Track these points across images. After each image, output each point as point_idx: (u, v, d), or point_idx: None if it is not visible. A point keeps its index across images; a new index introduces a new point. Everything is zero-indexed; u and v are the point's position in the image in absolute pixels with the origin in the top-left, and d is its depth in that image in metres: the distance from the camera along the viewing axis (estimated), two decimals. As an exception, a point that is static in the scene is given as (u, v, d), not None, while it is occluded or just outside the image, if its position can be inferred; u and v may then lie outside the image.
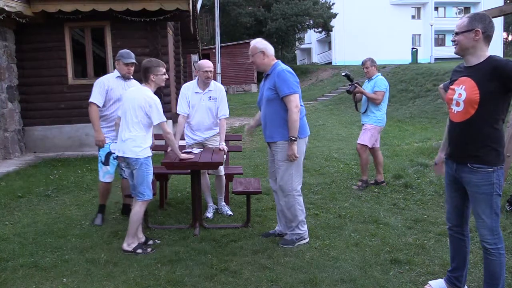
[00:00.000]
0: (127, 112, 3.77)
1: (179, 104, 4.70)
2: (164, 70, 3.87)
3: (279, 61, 3.95)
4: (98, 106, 4.50)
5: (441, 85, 5.39)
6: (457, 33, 2.62)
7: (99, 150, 4.57)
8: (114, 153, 4.47)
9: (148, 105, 3.70)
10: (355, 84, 5.92)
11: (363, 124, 5.99)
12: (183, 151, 4.53)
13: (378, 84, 5.78)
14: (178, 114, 4.71)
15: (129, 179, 3.98)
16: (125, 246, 3.80)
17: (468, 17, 2.60)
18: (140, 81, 3.97)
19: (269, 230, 4.26)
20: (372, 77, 5.89)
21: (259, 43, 3.90)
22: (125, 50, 4.61)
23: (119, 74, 4.58)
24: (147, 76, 3.80)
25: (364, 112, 5.92)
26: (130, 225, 3.81)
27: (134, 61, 4.55)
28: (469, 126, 2.61)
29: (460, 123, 2.66)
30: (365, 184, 5.89)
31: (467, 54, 2.63)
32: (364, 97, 5.91)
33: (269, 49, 3.90)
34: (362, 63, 5.99)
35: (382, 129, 6.00)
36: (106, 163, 4.53)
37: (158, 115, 3.74)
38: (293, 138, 3.73)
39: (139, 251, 3.76)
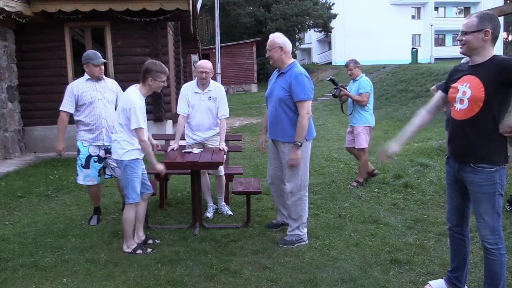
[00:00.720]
0: (117, 114, 3.73)
1: (179, 104, 4.70)
2: (165, 78, 3.74)
3: (296, 61, 3.92)
4: (71, 113, 4.46)
5: (434, 87, 5.38)
6: (465, 33, 2.59)
7: (78, 154, 4.49)
8: (95, 156, 4.46)
9: (128, 108, 3.59)
10: (341, 88, 6.02)
11: (352, 126, 6.08)
12: (183, 151, 4.54)
13: (363, 85, 5.84)
14: (178, 114, 4.71)
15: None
16: (124, 248, 3.80)
17: (477, 17, 2.57)
18: (133, 82, 3.85)
19: (271, 221, 4.36)
20: (357, 78, 5.97)
21: (278, 38, 3.85)
22: (90, 51, 4.52)
23: (89, 77, 4.47)
24: (145, 77, 3.68)
25: (351, 114, 6.00)
26: (124, 228, 3.80)
27: (104, 60, 4.48)
28: (472, 124, 2.61)
29: (463, 120, 2.65)
30: (360, 185, 5.92)
31: (474, 54, 2.62)
32: (350, 99, 5.97)
33: (288, 45, 3.88)
34: (346, 65, 6.10)
35: (372, 128, 6.07)
36: (86, 166, 4.47)
37: (135, 121, 3.57)
38: (298, 144, 3.73)
39: (139, 251, 3.76)
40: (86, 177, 4.50)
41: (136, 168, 3.73)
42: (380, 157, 3.00)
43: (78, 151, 4.48)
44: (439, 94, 2.93)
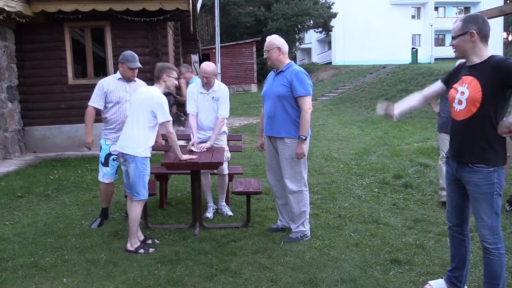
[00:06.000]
0: (135, 111, 3.80)
1: (188, 103, 4.79)
2: (177, 75, 3.96)
3: (293, 62, 4.07)
4: (99, 109, 4.47)
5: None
6: (453, 38, 2.66)
7: (100, 151, 4.55)
8: (114, 154, 4.46)
9: (156, 102, 3.74)
10: (176, 98, 6.43)
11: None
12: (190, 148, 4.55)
13: None
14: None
15: (124, 177, 4.00)
16: (128, 246, 3.81)
17: (461, 21, 2.62)
18: (144, 81, 3.97)
19: (271, 225, 4.37)
20: (190, 82, 6.15)
21: (275, 39, 4.00)
22: (129, 52, 4.49)
23: (121, 76, 4.50)
24: (160, 76, 3.88)
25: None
26: (130, 225, 3.83)
27: (140, 66, 4.49)
28: (470, 124, 2.62)
29: (462, 121, 2.66)
30: None
31: (467, 56, 2.64)
32: None
33: (285, 46, 4.03)
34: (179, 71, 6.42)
35: None
36: (105, 164, 4.51)
37: (163, 114, 3.78)
38: (303, 138, 3.84)
39: (141, 251, 3.77)
40: (104, 175, 4.53)
41: (147, 166, 3.82)
42: (382, 109, 3.05)
43: (100, 148, 4.53)
44: (439, 84, 2.95)
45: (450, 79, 2.84)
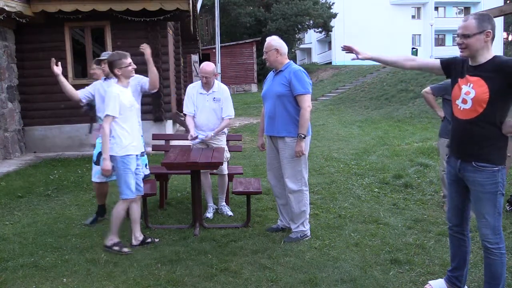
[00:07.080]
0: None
1: (185, 104, 4.77)
2: (129, 60, 3.78)
3: (292, 61, 4.08)
4: (80, 99, 4.56)
5: (428, 89, 4.87)
6: (466, 36, 2.55)
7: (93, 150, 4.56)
8: None
9: (105, 97, 3.71)
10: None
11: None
12: (191, 141, 4.56)
13: None
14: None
15: None
16: (107, 241, 3.82)
17: (475, 19, 2.54)
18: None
19: (271, 225, 4.37)
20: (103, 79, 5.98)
21: (274, 40, 4.01)
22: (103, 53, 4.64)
23: (104, 77, 4.59)
24: (113, 72, 3.78)
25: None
26: (110, 221, 3.85)
27: (100, 58, 4.58)
28: (475, 124, 2.61)
29: (466, 120, 2.65)
30: None
31: (477, 56, 2.59)
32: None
33: (284, 47, 4.03)
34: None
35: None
36: (97, 163, 4.50)
37: (106, 107, 3.66)
38: (302, 136, 3.84)
39: (115, 248, 3.76)
40: (95, 174, 4.52)
41: (129, 164, 3.76)
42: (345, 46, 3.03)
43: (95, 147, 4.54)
44: (437, 63, 2.85)
45: (453, 69, 2.76)
